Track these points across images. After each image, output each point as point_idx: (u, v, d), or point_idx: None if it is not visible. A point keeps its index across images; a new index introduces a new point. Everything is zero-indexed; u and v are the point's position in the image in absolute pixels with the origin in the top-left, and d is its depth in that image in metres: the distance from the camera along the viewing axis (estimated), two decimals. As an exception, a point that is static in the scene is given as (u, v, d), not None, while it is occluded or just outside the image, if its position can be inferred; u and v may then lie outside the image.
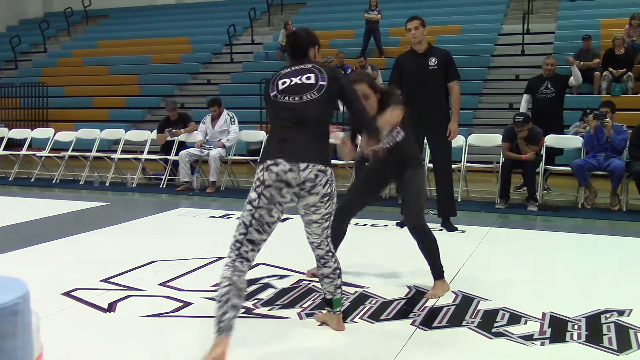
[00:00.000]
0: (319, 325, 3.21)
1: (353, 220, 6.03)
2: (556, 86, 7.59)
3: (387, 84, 5.77)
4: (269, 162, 2.75)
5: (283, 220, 5.78)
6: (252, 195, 2.75)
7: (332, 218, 3.00)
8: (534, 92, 7.70)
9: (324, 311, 3.21)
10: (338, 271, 3.08)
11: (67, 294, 3.68)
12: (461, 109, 12.17)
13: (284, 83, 2.91)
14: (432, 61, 5.50)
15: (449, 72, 5.54)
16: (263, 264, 4.35)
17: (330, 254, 3.07)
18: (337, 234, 3.72)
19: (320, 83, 2.89)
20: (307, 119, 2.83)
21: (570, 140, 7.64)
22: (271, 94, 2.91)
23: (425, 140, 5.76)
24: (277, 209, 2.75)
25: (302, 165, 2.74)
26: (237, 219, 2.80)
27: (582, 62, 10.86)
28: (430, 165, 6.22)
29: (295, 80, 2.91)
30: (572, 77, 7.68)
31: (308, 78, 2.90)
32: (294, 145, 2.77)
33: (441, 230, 5.61)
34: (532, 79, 7.99)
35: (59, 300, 3.56)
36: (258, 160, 2.87)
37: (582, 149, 7.23)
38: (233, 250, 2.75)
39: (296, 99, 2.85)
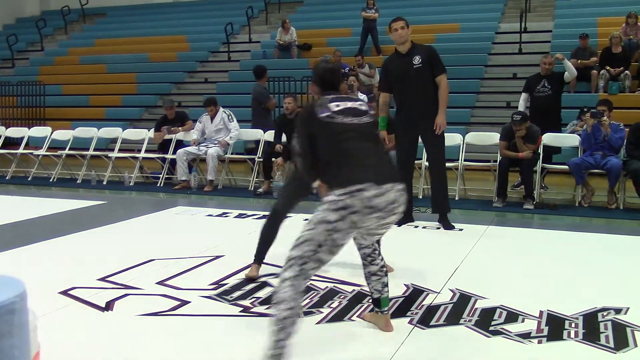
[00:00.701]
0: (316, 324, 3.21)
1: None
2: (553, 84, 7.60)
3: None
4: (353, 188, 2.59)
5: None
6: (331, 216, 2.57)
7: None
8: (532, 91, 7.71)
9: (370, 312, 3.23)
10: (385, 269, 3.11)
11: (65, 292, 3.68)
12: (459, 108, 12.25)
13: (337, 105, 2.85)
14: (417, 59, 5.49)
15: (435, 67, 5.53)
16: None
17: (377, 252, 3.11)
18: (271, 238, 3.98)
19: (369, 111, 2.96)
20: (377, 139, 2.95)
21: (567, 139, 7.65)
22: (322, 115, 2.81)
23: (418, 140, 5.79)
24: (355, 233, 2.70)
25: (388, 187, 2.64)
26: (305, 234, 2.60)
27: (579, 61, 10.86)
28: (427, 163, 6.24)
29: (349, 104, 2.89)
30: (566, 72, 7.68)
31: (359, 104, 2.95)
32: (376, 168, 2.70)
33: (438, 228, 5.62)
34: (530, 77, 8.00)
35: (56, 299, 3.55)
36: (329, 181, 2.74)
37: (580, 147, 7.24)
38: (296, 265, 2.55)
39: (356, 120, 2.84)
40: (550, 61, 7.71)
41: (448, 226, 5.64)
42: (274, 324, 2.50)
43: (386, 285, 3.09)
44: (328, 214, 2.58)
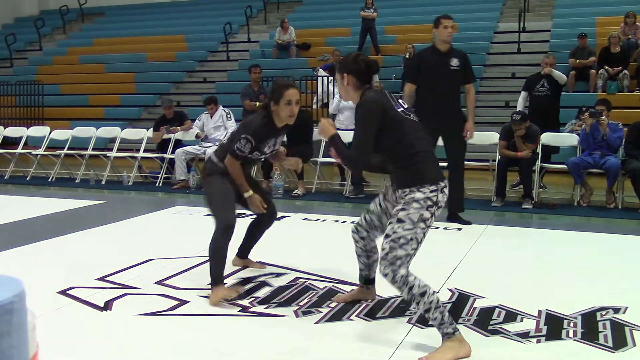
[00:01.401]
0: (315, 324, 3.21)
1: (349, 219, 6.08)
2: (552, 84, 7.61)
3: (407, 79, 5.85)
4: (441, 184, 2.87)
5: (279, 219, 5.80)
6: (426, 214, 2.81)
7: None
8: (531, 90, 7.72)
9: (355, 291, 3.59)
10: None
11: (63, 292, 3.67)
12: (457, 107, 12.17)
13: (403, 102, 3.03)
14: (454, 62, 5.55)
15: (468, 74, 5.68)
16: (259, 262, 4.35)
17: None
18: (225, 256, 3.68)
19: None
20: None
21: (566, 138, 7.65)
22: (399, 110, 2.93)
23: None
24: None
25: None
26: (405, 233, 2.79)
27: (577, 60, 10.89)
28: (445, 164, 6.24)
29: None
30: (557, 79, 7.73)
31: None
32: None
33: (460, 229, 5.61)
34: (530, 76, 8.02)
35: (54, 299, 3.55)
36: (421, 178, 2.86)
37: (578, 146, 7.24)
38: (406, 263, 2.81)
39: (416, 118, 3.03)
40: (552, 62, 7.73)
41: (463, 221, 5.77)
42: (435, 320, 2.75)
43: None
44: (424, 212, 2.81)
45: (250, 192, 3.74)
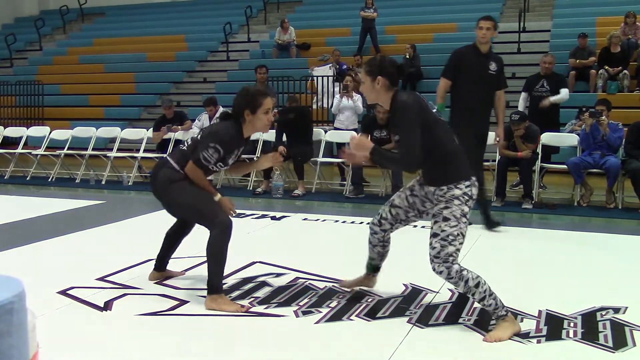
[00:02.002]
0: (315, 324, 3.21)
1: (349, 219, 6.08)
2: (552, 85, 7.61)
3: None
4: (473, 178, 3.09)
5: (279, 219, 5.82)
6: (466, 208, 3.03)
7: None
8: (531, 90, 7.72)
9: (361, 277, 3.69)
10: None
11: (63, 292, 3.67)
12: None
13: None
14: (493, 66, 5.48)
15: (502, 80, 5.62)
16: (259, 262, 4.35)
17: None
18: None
19: None
20: None
21: (566, 138, 7.65)
22: (434, 111, 3.10)
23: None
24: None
25: None
26: (453, 230, 2.99)
27: (577, 60, 10.89)
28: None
29: None
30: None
31: None
32: None
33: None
34: (530, 77, 8.02)
35: (54, 299, 3.55)
36: (453, 175, 3.06)
37: (578, 146, 7.24)
38: (457, 258, 3.02)
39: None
40: (550, 60, 7.72)
41: (494, 223, 5.64)
42: (489, 306, 3.02)
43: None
44: (464, 207, 3.02)
45: (219, 195, 3.55)
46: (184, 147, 3.57)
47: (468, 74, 5.43)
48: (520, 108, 7.73)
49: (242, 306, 3.40)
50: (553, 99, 7.59)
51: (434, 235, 3.02)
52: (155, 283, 3.88)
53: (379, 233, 3.48)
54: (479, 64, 5.46)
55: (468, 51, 5.60)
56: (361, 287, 3.70)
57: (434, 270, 3.03)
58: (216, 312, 3.36)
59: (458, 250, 3.00)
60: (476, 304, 3.48)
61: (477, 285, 2.98)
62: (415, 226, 5.73)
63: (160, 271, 3.94)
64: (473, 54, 5.54)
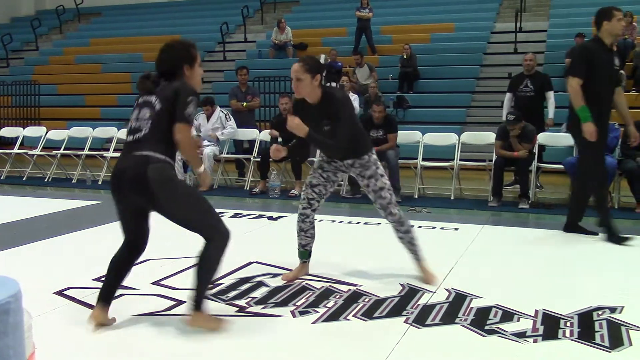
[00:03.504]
0: (312, 324, 3.21)
1: (346, 219, 6.08)
2: (536, 84, 7.62)
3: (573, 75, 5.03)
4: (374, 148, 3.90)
5: (276, 219, 5.80)
6: (381, 168, 3.82)
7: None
8: (515, 90, 7.73)
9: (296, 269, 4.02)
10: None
11: (60, 292, 3.67)
12: (454, 107, 12.31)
13: None
14: (616, 61, 5.11)
15: (620, 75, 5.25)
16: (256, 262, 4.35)
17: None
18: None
19: None
20: None
21: (562, 138, 7.66)
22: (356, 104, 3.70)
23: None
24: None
25: None
26: (387, 182, 3.82)
27: (574, 60, 10.90)
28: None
29: None
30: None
31: None
32: None
33: (442, 229, 5.61)
34: (514, 77, 8.06)
35: (51, 299, 3.55)
36: (361, 149, 3.77)
37: (574, 146, 7.25)
38: (394, 201, 3.84)
39: None
40: (532, 58, 7.74)
41: (590, 232, 5.32)
42: (416, 247, 3.94)
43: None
44: (380, 166, 3.80)
45: (203, 166, 3.21)
46: (144, 132, 2.97)
47: (599, 71, 4.91)
48: (506, 109, 7.77)
49: (223, 322, 3.13)
50: (551, 115, 7.69)
51: (380, 189, 3.76)
52: (151, 283, 3.88)
53: (311, 215, 3.93)
54: (608, 60, 5.00)
55: (596, 46, 5.06)
56: (300, 277, 3.98)
57: (390, 213, 3.78)
58: (215, 311, 3.36)
59: (393, 197, 3.82)
60: (473, 304, 3.49)
61: (410, 226, 3.91)
62: (412, 226, 5.74)
63: (107, 306, 3.13)
64: (601, 49, 5.02)
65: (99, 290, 3.18)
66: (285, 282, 3.91)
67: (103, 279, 3.93)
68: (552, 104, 7.66)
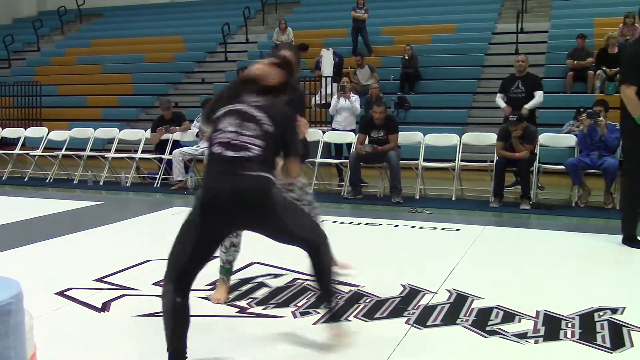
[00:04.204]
0: (313, 325, 3.21)
1: (347, 219, 6.08)
2: (527, 86, 7.60)
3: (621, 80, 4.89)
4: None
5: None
6: None
7: None
8: (507, 91, 7.72)
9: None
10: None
11: (61, 293, 3.67)
12: (455, 108, 12.28)
13: None
14: None
15: None
16: (257, 263, 4.35)
17: None
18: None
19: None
20: None
21: (564, 139, 7.66)
22: None
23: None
24: None
25: None
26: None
27: (575, 61, 10.90)
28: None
29: None
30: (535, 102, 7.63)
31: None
32: None
33: (443, 230, 5.61)
34: (505, 78, 8.04)
35: (52, 300, 3.55)
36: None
37: (576, 147, 7.25)
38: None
39: None
40: (524, 59, 7.73)
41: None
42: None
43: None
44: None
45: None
46: (256, 152, 2.67)
47: None
48: (501, 103, 7.71)
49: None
50: (528, 105, 7.46)
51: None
52: (153, 284, 3.88)
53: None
54: None
55: None
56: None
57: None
58: (216, 312, 3.36)
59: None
60: (474, 305, 3.49)
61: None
62: (413, 227, 5.75)
63: None
64: None
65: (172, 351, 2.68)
66: (219, 303, 3.54)
67: (105, 279, 3.93)
68: (536, 101, 7.54)
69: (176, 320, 2.67)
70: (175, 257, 2.75)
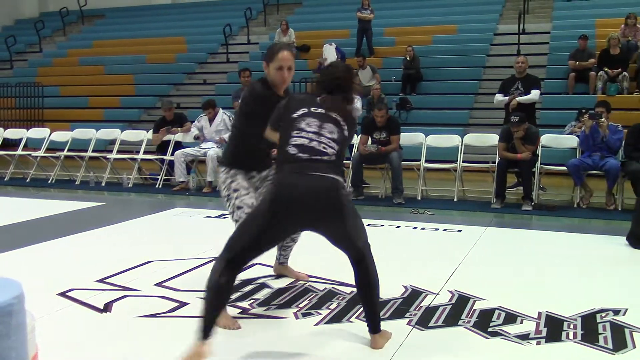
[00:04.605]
0: (315, 325, 3.21)
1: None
2: (526, 87, 7.59)
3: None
4: None
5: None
6: None
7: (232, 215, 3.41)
8: (507, 92, 7.72)
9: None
10: None
11: (63, 294, 3.67)
12: (457, 109, 12.27)
13: None
14: None
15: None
16: (259, 264, 4.34)
17: None
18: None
19: None
20: None
21: (566, 140, 7.66)
22: None
23: None
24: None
25: None
26: None
27: (577, 62, 10.89)
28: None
29: None
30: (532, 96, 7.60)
31: None
32: None
33: (445, 231, 5.61)
34: (505, 79, 8.04)
35: (54, 301, 3.55)
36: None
37: (578, 148, 7.25)
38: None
39: None
40: (523, 60, 7.73)
41: None
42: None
43: None
44: None
45: None
46: (332, 157, 2.79)
47: None
48: (502, 104, 7.71)
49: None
50: (520, 98, 7.46)
51: None
52: (154, 285, 3.88)
53: None
54: None
55: None
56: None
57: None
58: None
59: None
60: (476, 306, 3.48)
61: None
62: (414, 228, 5.74)
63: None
64: None
65: (201, 325, 2.71)
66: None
67: (106, 280, 3.93)
68: (530, 97, 7.53)
69: (214, 297, 2.73)
70: (234, 241, 2.80)
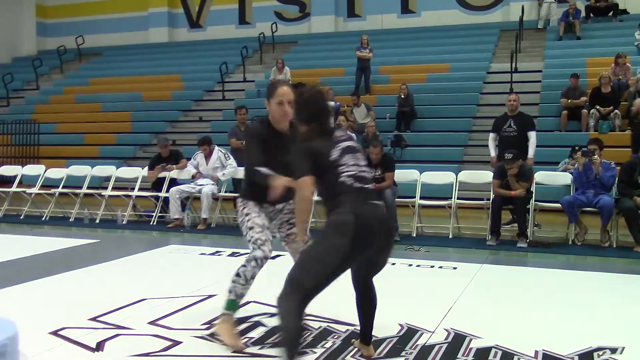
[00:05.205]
0: (310, 365, 3.18)
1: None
2: (519, 125, 7.69)
3: None
4: None
5: (273, 258, 5.79)
6: None
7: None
8: (499, 130, 7.81)
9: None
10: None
11: (55, 333, 3.63)
12: (451, 146, 12.36)
13: None
14: None
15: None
16: (254, 301, 4.32)
17: None
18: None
19: None
20: None
21: (559, 177, 7.71)
22: None
23: None
24: None
25: None
26: None
27: (569, 100, 11.03)
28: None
29: None
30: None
31: None
32: None
33: (440, 268, 5.59)
34: (497, 117, 8.14)
35: (46, 340, 3.51)
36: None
37: (572, 185, 7.29)
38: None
39: None
40: (515, 98, 7.85)
41: None
42: None
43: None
44: None
45: None
46: (371, 183, 3.05)
47: None
48: (491, 148, 7.85)
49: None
50: (530, 154, 7.57)
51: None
52: (148, 323, 3.85)
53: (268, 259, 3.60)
54: None
55: None
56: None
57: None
58: (212, 352, 3.32)
59: None
60: (472, 345, 3.46)
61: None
62: (410, 265, 5.73)
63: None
64: None
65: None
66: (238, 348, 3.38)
67: (99, 318, 3.89)
68: (533, 143, 7.65)
69: (298, 339, 2.81)
70: (304, 279, 2.81)
